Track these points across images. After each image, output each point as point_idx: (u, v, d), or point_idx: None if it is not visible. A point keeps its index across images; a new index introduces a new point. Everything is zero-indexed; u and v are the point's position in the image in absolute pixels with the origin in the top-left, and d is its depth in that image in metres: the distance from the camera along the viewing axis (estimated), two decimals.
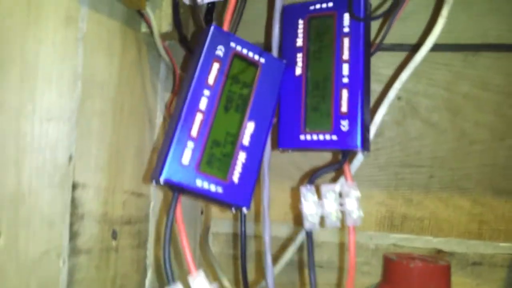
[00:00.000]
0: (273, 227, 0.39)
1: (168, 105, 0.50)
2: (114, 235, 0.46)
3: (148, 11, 0.45)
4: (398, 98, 0.58)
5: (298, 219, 0.62)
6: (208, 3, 0.51)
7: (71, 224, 0.39)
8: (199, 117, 0.35)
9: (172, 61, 0.49)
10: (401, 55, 0.58)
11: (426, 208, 0.59)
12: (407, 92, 0.59)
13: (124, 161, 0.47)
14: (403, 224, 0.61)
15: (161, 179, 0.33)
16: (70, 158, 0.39)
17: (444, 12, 0.35)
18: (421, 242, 0.60)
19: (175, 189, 0.33)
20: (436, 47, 0.55)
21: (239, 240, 0.64)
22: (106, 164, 0.43)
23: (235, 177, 0.36)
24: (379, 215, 0.61)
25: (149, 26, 0.46)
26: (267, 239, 0.36)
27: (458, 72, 0.57)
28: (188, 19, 0.50)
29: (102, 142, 0.43)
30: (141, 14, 0.46)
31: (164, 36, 0.48)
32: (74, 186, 0.39)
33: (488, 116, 0.57)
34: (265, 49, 0.54)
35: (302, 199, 0.37)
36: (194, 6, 0.37)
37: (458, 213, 0.59)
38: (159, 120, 0.53)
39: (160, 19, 0.46)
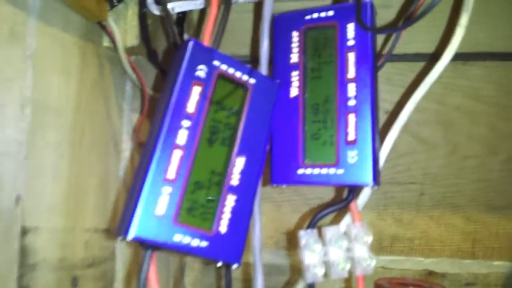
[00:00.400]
0: None
1: (136, 129, 0.44)
2: (75, 282, 0.40)
3: (111, 23, 0.40)
4: (386, 112, 0.54)
5: (282, 243, 0.58)
6: (179, 13, 0.45)
7: (20, 277, 0.33)
8: (177, 155, 0.29)
9: (140, 79, 0.43)
10: (399, 66, 0.54)
11: (417, 228, 0.56)
12: (396, 105, 0.55)
13: (85, 195, 0.41)
14: (393, 245, 0.58)
15: (129, 236, 0.26)
16: (18, 199, 0.33)
17: (463, 20, 0.31)
18: (411, 264, 0.57)
19: (148, 246, 0.27)
20: (424, 57, 0.53)
21: (214, 269, 0.60)
22: (64, 202, 0.38)
23: (223, 227, 0.30)
24: None
25: (112, 40, 0.41)
26: None
27: (448, 83, 0.54)
28: (157, 32, 0.44)
29: (58, 177, 0.37)
30: (103, 26, 0.41)
31: (130, 51, 0.43)
32: (24, 232, 0.33)
33: (481, 129, 0.54)
34: (250, 64, 0.49)
35: (303, 247, 0.31)
36: (166, 17, 0.31)
37: (450, 231, 0.56)
38: (125, 144, 0.47)
39: (125, 31, 0.41)
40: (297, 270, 0.58)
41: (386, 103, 0.54)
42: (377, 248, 0.57)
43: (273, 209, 0.58)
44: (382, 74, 0.54)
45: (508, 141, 0.54)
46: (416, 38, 0.52)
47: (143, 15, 0.40)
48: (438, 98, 0.54)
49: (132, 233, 0.26)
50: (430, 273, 0.56)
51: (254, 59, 0.53)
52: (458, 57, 0.53)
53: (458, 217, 0.55)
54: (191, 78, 0.30)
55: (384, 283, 0.49)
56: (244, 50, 0.53)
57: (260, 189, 0.33)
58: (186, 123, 0.29)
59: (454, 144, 0.55)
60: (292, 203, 0.58)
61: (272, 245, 0.59)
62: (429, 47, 0.52)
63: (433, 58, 0.54)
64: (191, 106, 0.30)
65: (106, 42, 0.43)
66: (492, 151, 0.54)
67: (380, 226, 0.57)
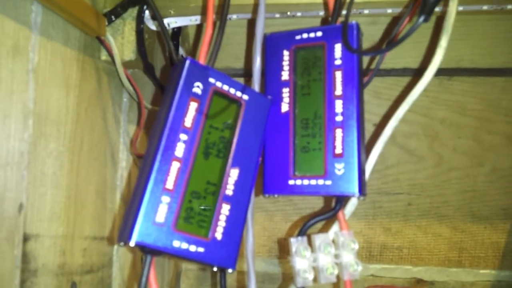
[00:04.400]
0: None
1: (133, 141, 0.45)
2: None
3: (109, 37, 0.42)
4: (374, 124, 0.56)
5: (275, 251, 0.59)
6: (174, 28, 0.47)
7: (22, 282, 0.34)
8: (175, 166, 0.30)
9: (137, 91, 0.45)
10: (387, 81, 0.56)
11: (405, 237, 0.58)
12: (384, 118, 0.56)
13: (84, 204, 0.42)
14: (382, 254, 0.59)
15: (131, 242, 0.28)
16: (21, 207, 0.34)
17: (443, 42, 0.33)
18: (400, 272, 0.58)
19: (148, 251, 0.29)
20: (411, 72, 0.55)
21: (211, 276, 0.60)
22: (63, 210, 0.39)
23: (218, 234, 0.31)
24: None
25: (110, 54, 0.42)
26: None
27: (434, 97, 0.56)
28: (154, 46, 0.46)
29: (58, 186, 0.38)
30: (101, 41, 0.42)
31: (127, 65, 0.44)
32: (26, 238, 0.34)
33: (466, 141, 0.56)
34: (244, 76, 0.50)
35: (293, 253, 0.33)
36: (162, 33, 0.33)
37: (437, 241, 0.57)
38: (122, 154, 0.48)
39: (123, 46, 0.42)
40: (288, 278, 0.59)
41: (375, 116, 0.56)
42: (367, 256, 0.58)
43: (266, 218, 0.59)
44: (371, 88, 0.56)
45: (492, 153, 0.55)
46: (404, 54, 0.54)
47: (141, 30, 0.42)
48: (424, 112, 0.56)
49: (134, 239, 0.28)
50: (419, 281, 0.57)
51: (247, 72, 0.55)
52: (443, 72, 0.56)
53: (445, 226, 0.57)
54: (188, 95, 0.32)
55: None
56: (239, 64, 0.55)
57: (253, 199, 0.34)
58: (183, 136, 0.31)
59: (440, 156, 0.56)
60: (284, 213, 0.59)
61: (265, 254, 0.60)
62: (416, 63, 0.54)
63: (419, 73, 0.56)
64: (188, 120, 0.31)
65: (104, 56, 0.44)
66: (477, 163, 0.56)
67: (369, 235, 0.58)
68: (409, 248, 0.58)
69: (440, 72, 0.55)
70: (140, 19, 0.42)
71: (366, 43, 0.53)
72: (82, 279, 0.42)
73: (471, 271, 0.57)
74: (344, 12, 0.37)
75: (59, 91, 0.38)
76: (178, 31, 0.49)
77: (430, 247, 0.57)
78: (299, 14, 0.43)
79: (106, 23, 0.42)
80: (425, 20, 0.28)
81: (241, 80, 0.55)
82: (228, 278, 0.58)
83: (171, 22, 0.45)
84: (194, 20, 0.44)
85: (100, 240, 0.45)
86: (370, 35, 0.53)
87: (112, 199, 0.47)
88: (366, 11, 0.43)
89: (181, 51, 0.51)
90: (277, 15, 0.43)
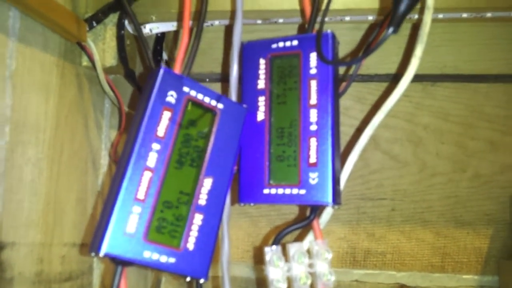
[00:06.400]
0: (232, 267, 0.34)
1: (114, 144, 0.45)
2: None
3: (90, 43, 0.41)
4: (358, 129, 0.56)
5: (257, 257, 0.59)
6: (158, 33, 0.47)
7: None
8: (147, 176, 0.30)
9: (118, 97, 0.44)
10: (370, 86, 0.56)
11: (389, 242, 0.58)
12: (366, 123, 0.57)
13: (63, 210, 0.42)
14: (366, 260, 0.59)
15: (101, 253, 0.28)
16: None
17: (418, 51, 0.33)
18: (384, 277, 0.58)
19: (119, 262, 0.29)
20: (393, 78, 0.55)
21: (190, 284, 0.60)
22: (41, 217, 0.38)
23: (190, 244, 0.31)
24: (341, 251, 0.59)
25: (91, 59, 0.42)
26: None
27: (417, 103, 0.56)
28: (135, 52, 0.45)
29: (36, 193, 0.38)
30: (82, 46, 0.42)
31: (108, 70, 0.44)
32: (1, 247, 0.34)
33: (449, 147, 0.56)
34: (221, 80, 0.50)
35: (267, 263, 0.33)
36: (140, 40, 0.33)
37: (421, 246, 0.58)
38: (104, 160, 0.48)
39: (104, 52, 0.42)
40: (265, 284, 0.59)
41: (357, 121, 0.56)
42: (351, 262, 0.59)
43: (250, 224, 0.59)
44: (354, 93, 0.56)
45: (475, 158, 0.56)
46: (387, 60, 0.55)
47: (122, 36, 0.42)
48: (408, 117, 0.56)
49: (103, 250, 0.28)
50: (402, 286, 0.57)
51: (223, 76, 0.55)
52: (427, 78, 0.56)
53: (428, 232, 0.57)
54: (161, 104, 0.31)
55: None
56: (221, 69, 0.55)
57: (228, 208, 0.34)
58: (156, 146, 0.31)
59: (424, 161, 0.57)
60: (269, 218, 0.59)
61: (249, 259, 0.60)
62: (398, 69, 0.55)
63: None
64: (161, 130, 0.31)
65: (85, 62, 0.44)
66: (460, 169, 0.56)
67: (353, 240, 0.58)
68: (392, 253, 0.58)
69: (423, 78, 0.56)
70: (121, 25, 0.42)
71: (350, 48, 0.53)
72: (61, 287, 0.41)
73: (454, 276, 0.57)
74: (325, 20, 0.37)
75: (38, 98, 0.38)
76: (162, 36, 0.49)
77: (414, 253, 0.57)
78: (280, 20, 0.43)
79: (87, 29, 0.42)
80: (394, 32, 0.28)
81: (223, 86, 0.55)
82: (211, 285, 0.58)
83: (153, 28, 0.45)
84: (176, 26, 0.44)
85: (80, 247, 0.45)
86: (354, 40, 0.53)
87: (93, 205, 0.47)
88: (347, 18, 0.43)
89: (165, 56, 0.51)
90: (259, 21, 0.43)
